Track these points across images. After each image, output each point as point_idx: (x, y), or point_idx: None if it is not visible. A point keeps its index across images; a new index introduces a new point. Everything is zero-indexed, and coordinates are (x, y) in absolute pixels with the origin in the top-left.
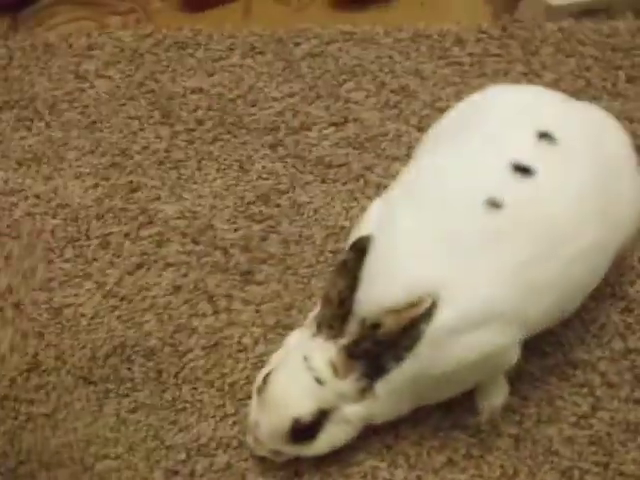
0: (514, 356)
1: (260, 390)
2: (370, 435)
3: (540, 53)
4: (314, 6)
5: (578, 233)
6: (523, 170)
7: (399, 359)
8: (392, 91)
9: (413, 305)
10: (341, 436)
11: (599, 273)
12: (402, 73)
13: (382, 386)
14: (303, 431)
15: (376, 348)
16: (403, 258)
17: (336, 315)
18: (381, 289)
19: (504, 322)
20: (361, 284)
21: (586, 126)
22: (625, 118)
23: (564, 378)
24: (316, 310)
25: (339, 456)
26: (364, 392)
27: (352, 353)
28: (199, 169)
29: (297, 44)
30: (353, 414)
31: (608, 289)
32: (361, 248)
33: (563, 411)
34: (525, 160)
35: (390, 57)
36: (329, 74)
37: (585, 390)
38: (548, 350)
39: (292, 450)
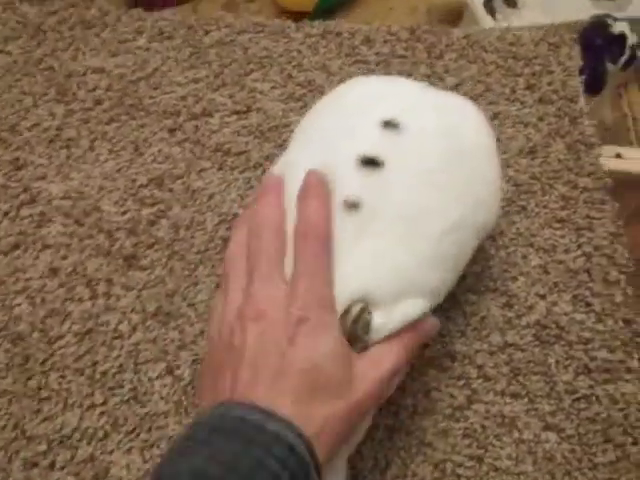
0: None
1: None
2: None
3: (444, 57)
4: (261, 16)
5: (435, 216)
6: (371, 162)
7: None
8: (298, 84)
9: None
10: None
11: (467, 250)
12: (309, 67)
13: None
14: None
15: None
16: None
17: None
18: None
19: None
20: None
21: (440, 113)
22: (520, 122)
23: (442, 370)
24: None
25: None
26: None
27: None
28: (91, 149)
29: (207, 32)
30: None
31: (491, 284)
32: None
33: (439, 402)
34: (370, 152)
35: (299, 51)
36: (236, 63)
37: (462, 382)
38: (429, 341)
39: None
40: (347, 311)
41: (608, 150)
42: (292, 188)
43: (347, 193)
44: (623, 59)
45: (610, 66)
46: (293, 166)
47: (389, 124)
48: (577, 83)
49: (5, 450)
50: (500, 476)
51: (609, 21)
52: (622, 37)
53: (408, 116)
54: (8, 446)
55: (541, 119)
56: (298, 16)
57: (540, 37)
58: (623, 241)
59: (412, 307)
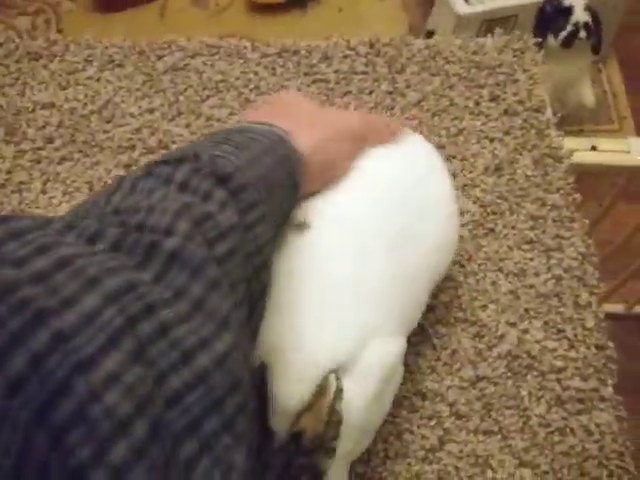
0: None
1: None
2: None
3: (406, 71)
4: (232, 10)
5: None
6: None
7: (331, 453)
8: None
9: (321, 393)
10: None
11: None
12: (267, 90)
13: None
14: None
15: (308, 458)
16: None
17: None
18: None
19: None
20: None
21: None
22: (485, 137)
23: (413, 410)
24: None
25: None
26: None
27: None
28: (43, 192)
29: (160, 57)
30: None
31: (460, 314)
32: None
33: (411, 445)
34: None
35: (256, 73)
36: (192, 89)
37: (434, 422)
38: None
39: None
40: (324, 387)
41: (584, 143)
42: None
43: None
44: (563, 34)
45: (551, 39)
46: None
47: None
48: (543, 92)
49: None
50: None
51: None
52: (568, 10)
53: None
54: None
55: (507, 133)
56: (268, 8)
57: (503, 43)
58: (593, 261)
59: (377, 351)
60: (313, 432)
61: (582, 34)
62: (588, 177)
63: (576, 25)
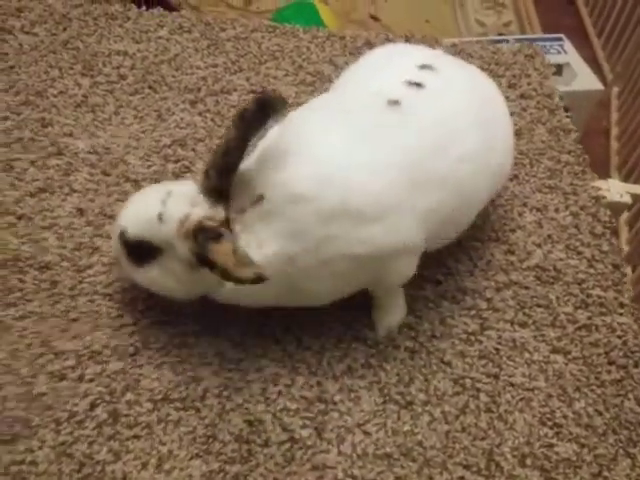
0: (411, 267)
1: None
2: (271, 344)
3: None
4: None
5: (462, 136)
6: (415, 84)
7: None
8: (308, 73)
9: None
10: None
11: (482, 186)
12: (318, 60)
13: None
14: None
15: None
16: (314, 148)
17: (220, 164)
18: (288, 175)
19: (397, 216)
20: (265, 165)
21: (462, 67)
22: None
23: (455, 302)
24: None
25: (240, 364)
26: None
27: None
28: (116, 114)
29: (223, 29)
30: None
31: (493, 234)
32: (266, 104)
33: (454, 329)
34: (414, 79)
35: (308, 48)
36: (252, 54)
37: (473, 312)
38: (441, 279)
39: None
40: None
41: None
42: (345, 101)
43: (392, 95)
44: None
45: None
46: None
47: (425, 66)
48: (552, 83)
49: (31, 365)
50: (516, 390)
51: None
52: None
53: (438, 64)
54: (34, 361)
55: (524, 109)
56: None
57: (517, 49)
58: (604, 203)
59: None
60: None
61: None
62: None
63: None
